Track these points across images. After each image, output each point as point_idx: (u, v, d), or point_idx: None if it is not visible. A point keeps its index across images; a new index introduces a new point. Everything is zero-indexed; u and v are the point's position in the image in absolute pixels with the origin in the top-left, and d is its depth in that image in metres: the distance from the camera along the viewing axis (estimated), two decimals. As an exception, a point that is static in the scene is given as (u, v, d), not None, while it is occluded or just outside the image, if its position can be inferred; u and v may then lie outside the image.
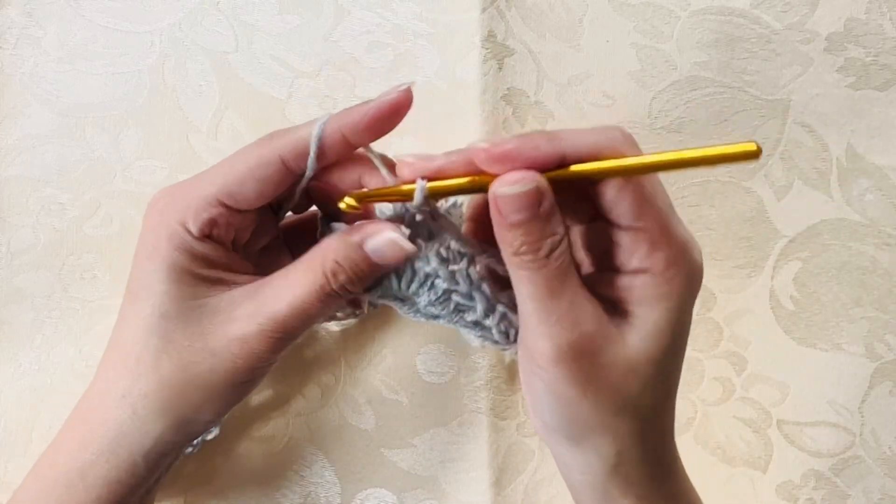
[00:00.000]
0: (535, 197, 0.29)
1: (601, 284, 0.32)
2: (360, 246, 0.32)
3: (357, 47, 0.48)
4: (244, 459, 0.48)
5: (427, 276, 0.34)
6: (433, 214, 0.34)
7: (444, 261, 0.34)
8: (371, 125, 0.32)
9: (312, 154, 0.32)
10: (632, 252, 0.31)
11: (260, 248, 0.37)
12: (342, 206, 0.33)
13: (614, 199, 0.30)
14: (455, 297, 0.34)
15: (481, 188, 0.31)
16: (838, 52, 0.47)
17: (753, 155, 0.27)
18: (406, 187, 0.32)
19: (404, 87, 0.32)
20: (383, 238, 0.32)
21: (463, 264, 0.34)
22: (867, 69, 0.47)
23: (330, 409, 0.48)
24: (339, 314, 0.44)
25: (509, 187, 0.29)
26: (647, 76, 0.48)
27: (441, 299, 0.34)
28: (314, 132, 0.32)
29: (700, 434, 0.48)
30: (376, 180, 0.34)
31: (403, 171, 0.32)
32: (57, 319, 0.47)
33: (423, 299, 0.34)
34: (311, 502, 0.48)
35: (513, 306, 0.34)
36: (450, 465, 0.48)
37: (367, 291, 0.35)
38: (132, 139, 0.48)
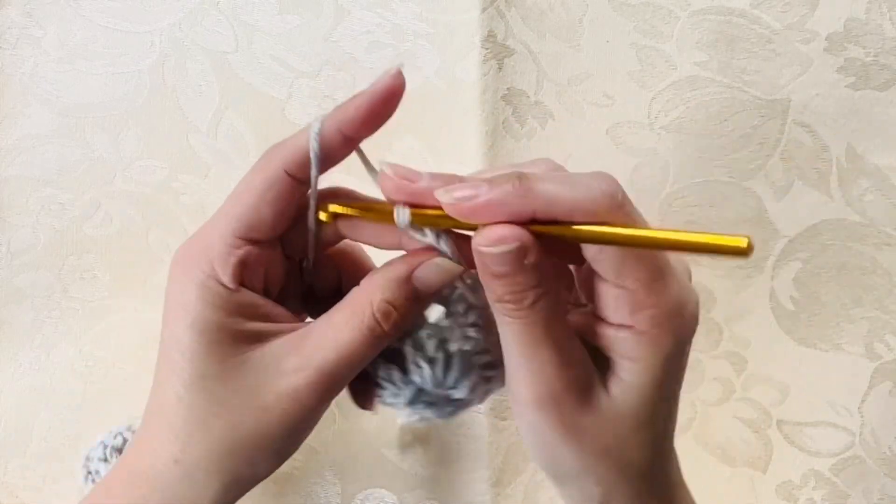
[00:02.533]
0: (518, 254, 0.28)
1: (591, 328, 0.31)
2: (408, 280, 0.31)
3: (357, 47, 0.48)
4: (244, 459, 0.48)
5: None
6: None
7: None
8: (368, 117, 0.31)
9: (314, 158, 0.31)
10: (615, 307, 0.29)
11: (304, 289, 0.36)
12: (322, 216, 0.31)
13: (596, 255, 0.29)
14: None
15: (466, 226, 0.29)
16: (838, 52, 0.47)
17: (742, 252, 0.25)
18: (387, 209, 0.30)
19: (394, 70, 0.31)
20: (430, 265, 0.31)
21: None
22: (867, 69, 0.47)
23: (330, 410, 0.48)
24: None
25: (491, 247, 0.28)
26: (647, 76, 0.48)
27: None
28: (312, 133, 0.31)
29: (700, 434, 0.48)
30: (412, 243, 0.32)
31: (385, 185, 0.30)
32: (57, 319, 0.47)
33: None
34: (311, 502, 0.48)
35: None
36: (450, 465, 0.48)
37: None
38: (132, 139, 0.48)
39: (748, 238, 0.24)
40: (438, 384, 0.32)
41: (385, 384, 0.33)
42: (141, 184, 0.48)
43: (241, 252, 0.31)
